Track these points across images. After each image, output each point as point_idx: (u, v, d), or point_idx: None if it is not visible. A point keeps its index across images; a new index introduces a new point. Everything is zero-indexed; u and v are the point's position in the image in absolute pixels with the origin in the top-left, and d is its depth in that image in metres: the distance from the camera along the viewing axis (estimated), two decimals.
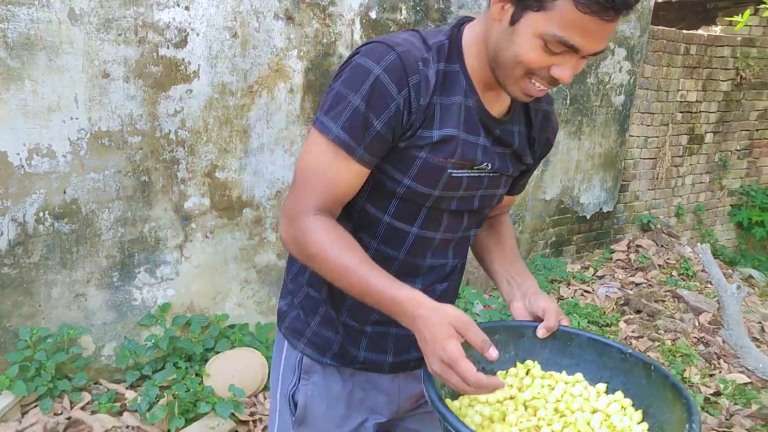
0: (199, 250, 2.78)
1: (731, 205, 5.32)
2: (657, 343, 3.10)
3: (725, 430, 2.43)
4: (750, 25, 4.91)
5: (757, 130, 5.24)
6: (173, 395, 2.46)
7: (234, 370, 2.71)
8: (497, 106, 1.18)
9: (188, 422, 2.43)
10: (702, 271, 4.15)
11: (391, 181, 1.15)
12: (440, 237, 1.23)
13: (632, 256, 4.30)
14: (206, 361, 2.77)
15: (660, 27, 4.31)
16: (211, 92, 2.63)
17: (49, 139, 2.34)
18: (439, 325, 0.99)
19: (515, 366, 1.20)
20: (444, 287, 1.28)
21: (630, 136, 4.31)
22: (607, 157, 4.22)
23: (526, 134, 1.27)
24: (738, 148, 5.15)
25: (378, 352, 1.26)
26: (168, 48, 2.49)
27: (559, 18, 0.97)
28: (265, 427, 2.55)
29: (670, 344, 3.08)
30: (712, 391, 2.77)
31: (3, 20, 2.17)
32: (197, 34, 2.54)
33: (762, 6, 3.93)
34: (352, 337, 1.25)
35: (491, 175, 1.21)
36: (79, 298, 2.53)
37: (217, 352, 2.79)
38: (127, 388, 2.62)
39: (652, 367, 1.14)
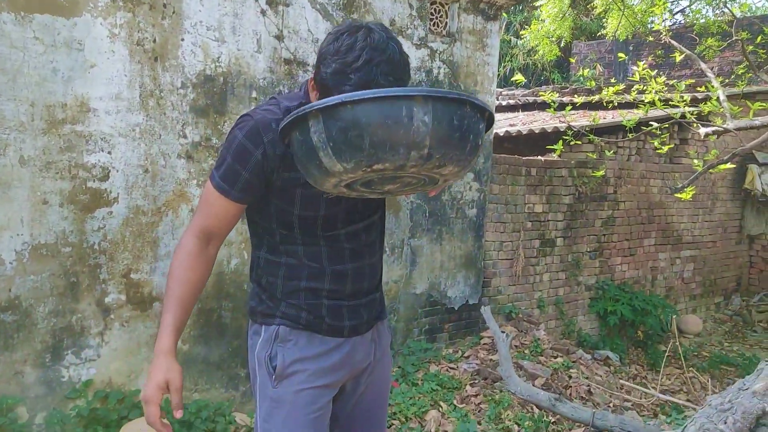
0: (116, 336, 3.51)
1: (590, 298, 6.29)
2: (489, 397, 3.90)
3: None
4: (585, 152, 6.09)
5: (603, 235, 6.33)
6: None
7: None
8: None
9: None
10: (550, 348, 5.01)
11: (287, 213, 1.56)
12: (344, 231, 1.61)
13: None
14: (120, 427, 3.42)
15: (502, 155, 5.43)
16: (128, 213, 3.49)
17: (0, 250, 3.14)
18: (160, 371, 1.45)
19: None
20: (370, 264, 1.69)
21: (486, 241, 5.29)
22: (467, 259, 5.16)
23: None
24: (588, 250, 6.20)
25: (337, 319, 1.64)
26: (94, 181, 3.37)
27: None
28: None
29: (497, 396, 3.89)
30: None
31: None
32: (117, 171, 3.44)
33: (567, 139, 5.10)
34: (314, 310, 1.62)
35: None
36: (17, 375, 3.22)
37: (131, 420, 3.46)
38: None
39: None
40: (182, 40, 3.56)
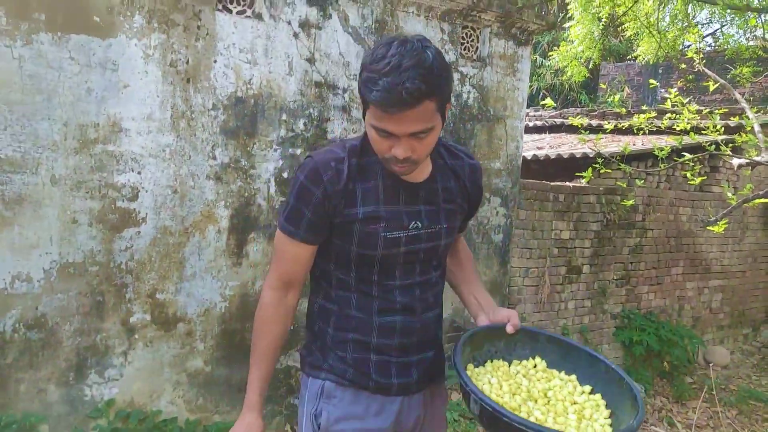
0: (140, 356, 3.51)
1: (615, 327, 6.18)
2: None
3: None
4: (614, 178, 6.01)
5: (631, 263, 6.22)
6: None
7: None
8: (420, 174, 1.59)
9: None
10: None
11: (345, 251, 1.56)
12: (398, 283, 1.60)
13: None
14: None
15: (529, 180, 5.38)
16: (155, 233, 3.49)
17: (28, 268, 3.15)
18: (242, 425, 1.58)
19: (528, 360, 1.69)
20: (421, 320, 1.65)
21: (511, 267, 5.23)
22: (492, 284, 5.10)
23: (457, 186, 1.67)
24: (615, 277, 6.10)
25: (384, 376, 1.61)
26: (123, 201, 3.38)
27: (373, 114, 1.40)
28: None
29: None
30: None
31: (2, 183, 3.05)
32: (146, 191, 3.44)
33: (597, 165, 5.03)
34: (361, 365, 1.61)
35: (429, 231, 1.59)
36: (41, 393, 3.22)
37: None
38: None
39: (624, 380, 1.57)
40: (215, 61, 3.57)
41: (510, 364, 1.69)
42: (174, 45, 3.44)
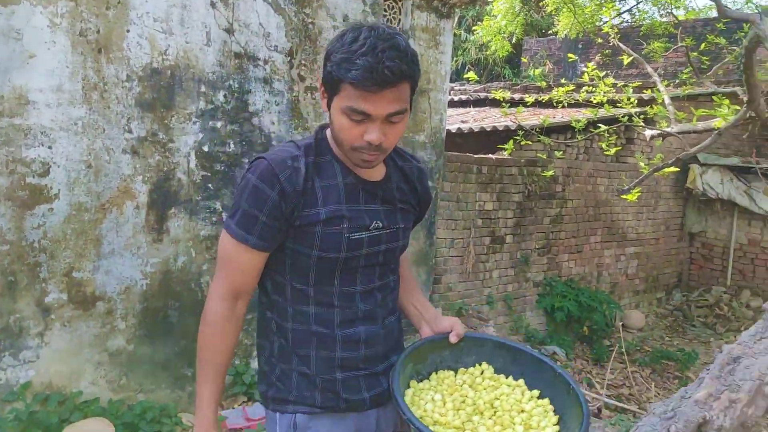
0: (57, 337, 3.40)
1: (538, 294, 6.40)
2: None
3: None
4: (535, 150, 6.18)
5: (552, 232, 6.43)
6: None
7: None
8: (376, 173, 1.54)
9: None
10: None
11: (304, 257, 1.45)
12: (360, 289, 1.52)
13: None
14: (61, 430, 3.31)
15: (454, 153, 5.46)
16: (69, 210, 3.37)
17: None
18: None
19: (474, 366, 1.60)
20: (384, 327, 1.58)
21: (437, 238, 5.32)
22: (419, 255, 5.18)
23: (408, 187, 1.63)
24: (537, 246, 6.29)
25: (354, 392, 1.52)
26: (33, 177, 3.24)
27: (347, 95, 1.33)
28: None
29: None
30: None
31: None
32: (58, 166, 3.31)
33: (518, 140, 5.15)
34: (328, 386, 1.51)
35: (388, 232, 1.53)
36: None
37: (72, 423, 3.36)
38: None
39: (571, 386, 1.50)
40: (128, 31, 3.45)
41: (456, 372, 1.62)
42: (83, 13, 3.30)
